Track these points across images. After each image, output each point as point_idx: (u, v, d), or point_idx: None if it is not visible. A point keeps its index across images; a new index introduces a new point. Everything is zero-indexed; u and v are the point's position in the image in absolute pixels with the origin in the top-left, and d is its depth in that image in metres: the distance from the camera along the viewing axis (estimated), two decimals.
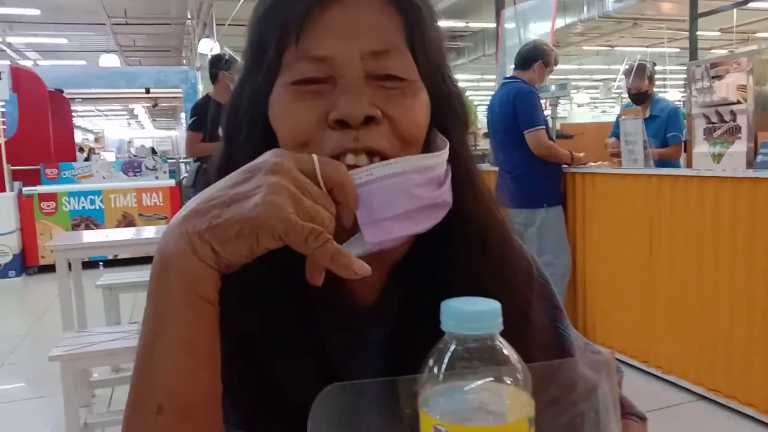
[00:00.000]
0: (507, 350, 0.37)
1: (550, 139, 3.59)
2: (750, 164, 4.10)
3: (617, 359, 0.70)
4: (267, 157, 0.46)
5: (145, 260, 6.14)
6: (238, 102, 0.58)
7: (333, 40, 0.52)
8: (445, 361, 0.37)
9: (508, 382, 0.37)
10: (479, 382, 0.36)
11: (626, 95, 4.52)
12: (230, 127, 0.58)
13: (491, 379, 0.37)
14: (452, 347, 0.37)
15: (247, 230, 0.43)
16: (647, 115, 4.09)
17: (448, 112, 0.58)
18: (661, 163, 3.75)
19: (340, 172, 0.47)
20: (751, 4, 7.15)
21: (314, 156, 0.47)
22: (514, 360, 0.37)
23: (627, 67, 4.26)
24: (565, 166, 3.65)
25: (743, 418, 2.70)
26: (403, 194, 0.49)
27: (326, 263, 0.44)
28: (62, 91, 8.65)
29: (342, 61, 0.51)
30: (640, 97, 4.13)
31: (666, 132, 4.08)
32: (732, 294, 2.73)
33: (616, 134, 4.33)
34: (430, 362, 0.38)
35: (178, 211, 0.47)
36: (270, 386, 0.53)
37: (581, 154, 3.67)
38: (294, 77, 0.52)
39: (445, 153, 0.54)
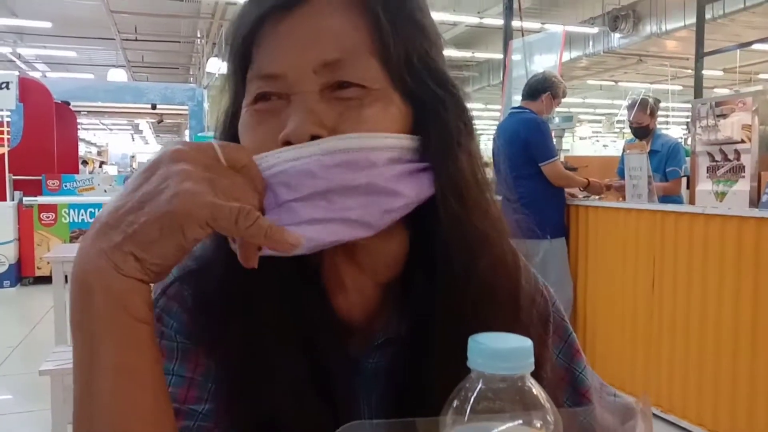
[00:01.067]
0: (537, 392, 0.35)
1: None
2: (753, 203, 4.10)
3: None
4: (163, 149, 0.43)
5: None
6: (219, 124, 0.56)
7: (284, 55, 0.48)
8: (471, 401, 0.34)
9: (537, 426, 0.34)
10: (507, 426, 0.34)
11: (628, 130, 4.53)
12: None
13: (520, 422, 0.34)
14: (479, 386, 0.35)
15: (169, 226, 0.40)
16: (648, 149, 4.10)
17: (429, 118, 0.51)
18: (660, 198, 3.75)
19: (242, 153, 0.45)
20: (754, 46, 7.24)
21: (213, 142, 0.45)
22: (545, 403, 0.35)
23: (630, 101, 4.28)
24: (570, 197, 3.64)
25: None
26: (307, 175, 0.45)
27: (261, 241, 0.41)
28: (69, 104, 8.70)
29: (294, 77, 0.48)
30: (642, 131, 4.15)
31: (666, 167, 4.09)
32: (735, 333, 2.70)
33: (623, 171, 4.34)
34: (455, 401, 0.35)
35: (85, 233, 0.43)
36: (265, 406, 0.50)
37: (601, 181, 3.68)
38: (250, 97, 0.50)
39: (369, 136, 0.47)
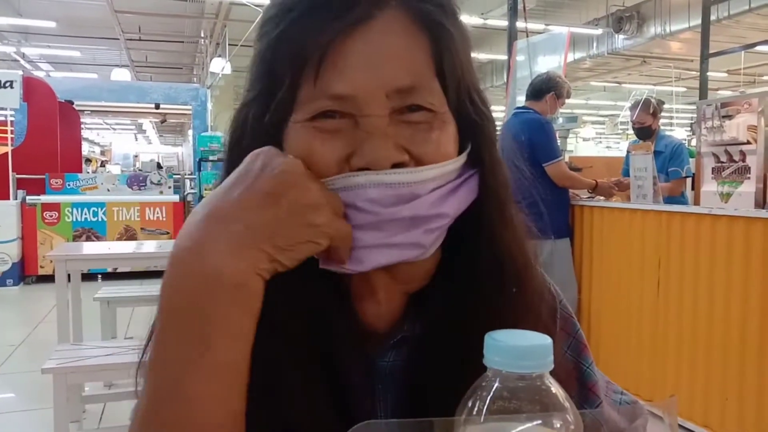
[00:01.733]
0: (556, 390, 0.34)
1: None
2: (759, 205, 4.08)
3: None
4: (271, 156, 0.46)
5: (144, 275, 6.09)
6: (242, 133, 0.53)
7: (355, 75, 0.46)
8: (487, 401, 0.33)
9: (557, 426, 0.33)
10: (525, 426, 0.33)
11: (631, 131, 4.52)
12: (233, 159, 0.51)
13: (538, 423, 0.33)
14: (495, 385, 0.33)
15: (313, 236, 0.44)
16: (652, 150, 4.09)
17: (479, 137, 0.53)
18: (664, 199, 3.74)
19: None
20: (759, 48, 7.21)
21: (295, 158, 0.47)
22: (565, 403, 0.33)
23: (632, 101, 4.27)
24: (576, 198, 3.62)
25: None
26: (352, 207, 0.47)
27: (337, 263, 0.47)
28: (72, 103, 8.71)
29: (365, 99, 0.46)
30: (644, 131, 4.13)
31: (668, 167, 4.08)
32: (742, 334, 2.67)
33: (628, 171, 4.32)
34: (470, 401, 0.34)
35: (195, 220, 0.43)
36: (285, 421, 0.49)
37: (607, 181, 3.66)
38: (310, 113, 0.48)
39: (416, 171, 0.47)
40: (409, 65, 0.47)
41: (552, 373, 0.55)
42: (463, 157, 0.51)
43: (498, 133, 0.60)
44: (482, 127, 0.54)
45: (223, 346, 0.41)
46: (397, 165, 0.46)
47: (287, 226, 0.43)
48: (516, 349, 0.33)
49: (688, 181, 4.34)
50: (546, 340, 0.34)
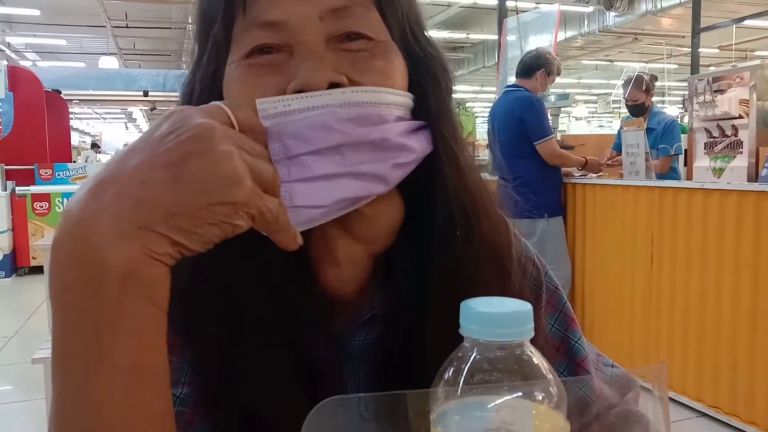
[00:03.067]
0: (538, 360, 0.32)
1: None
2: (751, 179, 4.07)
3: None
4: (182, 118, 0.37)
5: None
6: (191, 88, 0.50)
7: (284, 0, 0.44)
8: (464, 372, 0.31)
9: (539, 398, 0.31)
10: (504, 398, 0.30)
11: (624, 109, 4.50)
12: None
13: (518, 394, 0.31)
14: (473, 356, 0.31)
15: (221, 214, 0.36)
16: (644, 127, 4.07)
17: (425, 77, 0.50)
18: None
19: (252, 115, 0.42)
20: (749, 23, 7.17)
21: (220, 104, 0.40)
22: (547, 373, 0.31)
23: (625, 78, 4.25)
24: (567, 176, 3.61)
25: None
26: (322, 128, 0.42)
27: (276, 236, 0.40)
28: (60, 92, 8.61)
29: (297, 24, 0.44)
30: (637, 108, 4.11)
31: (659, 144, 4.07)
32: (735, 308, 2.68)
33: (618, 146, 4.31)
34: (447, 373, 0.32)
35: (79, 198, 0.36)
36: (249, 405, 0.46)
37: (597, 158, 3.65)
38: (244, 49, 0.45)
39: (382, 91, 0.45)
40: None
41: (538, 347, 0.54)
42: (410, 95, 0.48)
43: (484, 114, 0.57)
44: (429, 67, 0.50)
45: (124, 346, 0.35)
46: (333, 85, 0.43)
47: (191, 205, 0.35)
48: (494, 316, 0.31)
49: (681, 157, 4.33)
50: (525, 306, 0.31)
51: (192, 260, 0.40)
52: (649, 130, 4.04)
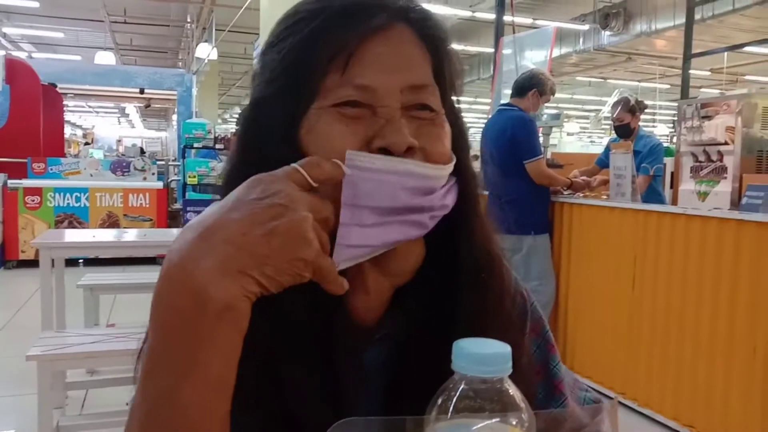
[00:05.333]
0: (514, 392, 0.38)
1: None
2: (734, 204, 4.17)
3: (596, 390, 0.72)
4: (271, 184, 0.46)
5: (126, 261, 6.08)
6: (260, 120, 0.58)
7: (377, 71, 0.54)
8: (454, 400, 0.38)
9: (513, 423, 0.38)
10: (485, 423, 0.37)
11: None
12: (249, 144, 0.58)
13: (497, 420, 0.38)
14: (461, 387, 0.38)
15: (298, 270, 0.46)
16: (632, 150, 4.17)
17: (459, 140, 0.61)
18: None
19: (326, 166, 0.50)
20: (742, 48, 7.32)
21: (297, 167, 0.48)
22: (520, 403, 0.38)
23: (615, 100, 4.35)
24: (556, 194, 3.69)
25: None
26: (387, 191, 0.51)
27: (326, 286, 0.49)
28: (56, 86, 8.60)
29: (384, 92, 0.54)
30: (623, 129, 4.22)
31: (640, 163, 4.17)
32: (712, 331, 2.77)
33: (602, 161, 4.41)
34: (439, 400, 0.38)
35: (188, 240, 0.45)
36: (278, 410, 0.54)
37: (582, 178, 3.74)
38: (335, 100, 0.54)
39: (442, 168, 0.56)
40: (418, 68, 0.57)
41: (520, 371, 0.61)
42: (452, 165, 0.58)
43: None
44: (464, 135, 0.63)
45: (212, 363, 0.44)
46: (410, 149, 0.53)
47: (277, 258, 0.44)
48: (479, 356, 0.38)
49: (667, 179, 4.43)
50: (506, 348, 0.38)
51: None
52: (635, 153, 4.14)
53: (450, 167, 0.57)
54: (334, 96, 0.54)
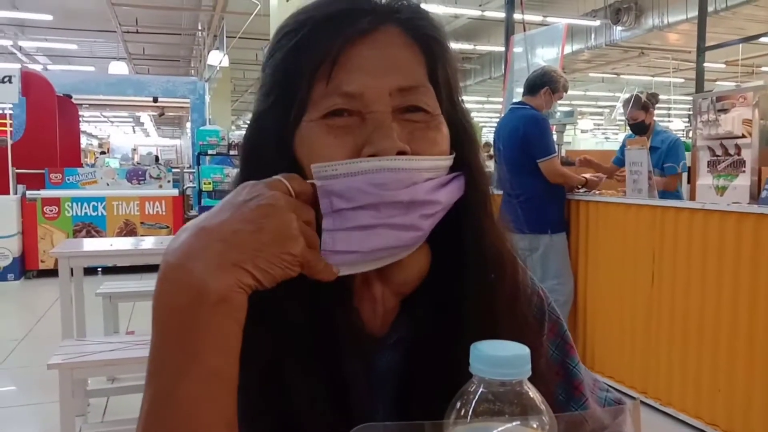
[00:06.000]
0: (534, 395, 0.38)
1: None
2: (753, 198, 4.11)
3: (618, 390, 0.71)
4: (257, 189, 0.50)
5: (144, 269, 6.13)
6: (258, 134, 0.58)
7: (363, 76, 0.53)
8: (473, 404, 0.37)
9: (534, 426, 0.37)
10: (505, 426, 0.37)
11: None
12: (250, 159, 0.59)
13: (517, 423, 0.37)
14: (480, 390, 0.37)
15: (289, 263, 0.48)
16: (648, 146, 4.12)
17: (464, 140, 0.60)
18: (659, 193, 3.79)
19: (305, 185, 0.52)
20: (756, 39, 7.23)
21: (280, 178, 0.51)
22: (541, 406, 0.38)
23: (625, 98, 4.30)
24: (569, 193, 3.66)
25: None
26: (356, 189, 0.51)
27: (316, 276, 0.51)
28: (71, 97, 8.71)
29: (371, 97, 0.53)
30: (638, 127, 4.17)
31: (664, 162, 4.11)
32: (733, 326, 2.73)
33: (619, 160, 4.36)
34: (458, 404, 0.38)
35: (185, 240, 0.47)
36: (286, 416, 0.53)
37: (597, 176, 3.71)
38: (323, 111, 0.54)
39: (417, 160, 0.53)
40: (408, 70, 0.55)
41: (539, 372, 0.60)
42: (452, 157, 0.57)
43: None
44: (469, 133, 0.61)
45: (212, 356, 0.45)
46: (400, 152, 0.52)
47: (268, 251, 0.47)
48: (498, 359, 0.37)
49: (684, 175, 4.38)
50: (524, 350, 0.38)
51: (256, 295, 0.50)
52: (653, 149, 4.09)
53: (438, 160, 0.55)
54: (322, 106, 0.54)
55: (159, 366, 0.46)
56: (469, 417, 0.37)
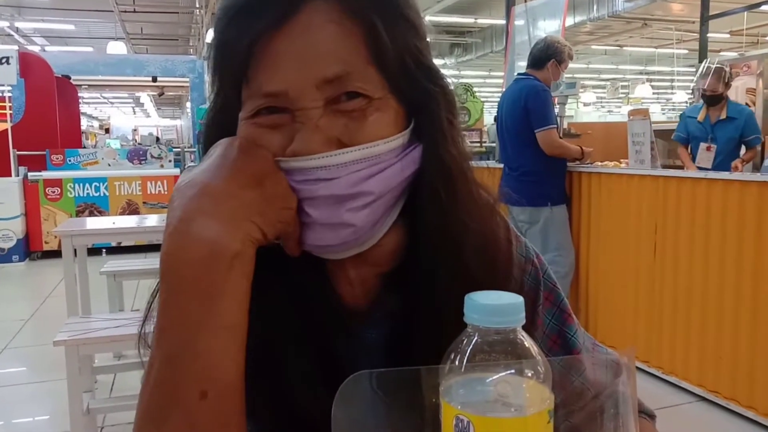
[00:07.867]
0: (528, 344, 0.38)
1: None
2: (756, 167, 4.09)
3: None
4: (248, 144, 0.51)
5: (147, 248, 6.16)
6: (209, 127, 0.58)
7: (284, 72, 0.49)
8: (467, 352, 0.37)
9: (529, 375, 0.37)
10: (500, 375, 0.37)
11: (633, 95, 4.51)
12: (208, 147, 0.57)
13: (512, 371, 0.37)
14: (474, 339, 0.38)
15: (290, 219, 0.51)
16: (724, 116, 4.12)
17: (422, 115, 0.54)
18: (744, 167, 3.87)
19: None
20: (762, 7, 7.10)
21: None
22: (535, 354, 0.38)
23: (704, 69, 4.23)
24: (571, 164, 3.64)
25: (743, 421, 2.71)
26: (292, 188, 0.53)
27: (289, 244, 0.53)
28: (69, 78, 8.66)
29: (296, 93, 0.49)
30: (715, 99, 4.13)
31: (743, 134, 4.11)
32: (736, 296, 2.73)
33: (681, 138, 4.34)
34: (453, 354, 0.38)
35: (185, 196, 0.48)
36: (279, 389, 0.54)
37: (591, 149, 3.69)
38: (251, 111, 0.52)
39: (345, 153, 0.50)
40: (336, 55, 0.49)
41: (537, 340, 0.60)
42: (395, 139, 0.52)
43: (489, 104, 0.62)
44: (426, 104, 0.54)
45: (228, 309, 0.46)
46: (327, 149, 0.50)
47: (271, 206, 0.49)
48: (492, 307, 0.37)
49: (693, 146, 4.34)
50: (518, 298, 0.38)
51: None
52: (730, 119, 4.11)
53: (369, 147, 0.50)
54: (248, 107, 0.52)
55: (174, 320, 0.46)
56: (463, 366, 0.37)
